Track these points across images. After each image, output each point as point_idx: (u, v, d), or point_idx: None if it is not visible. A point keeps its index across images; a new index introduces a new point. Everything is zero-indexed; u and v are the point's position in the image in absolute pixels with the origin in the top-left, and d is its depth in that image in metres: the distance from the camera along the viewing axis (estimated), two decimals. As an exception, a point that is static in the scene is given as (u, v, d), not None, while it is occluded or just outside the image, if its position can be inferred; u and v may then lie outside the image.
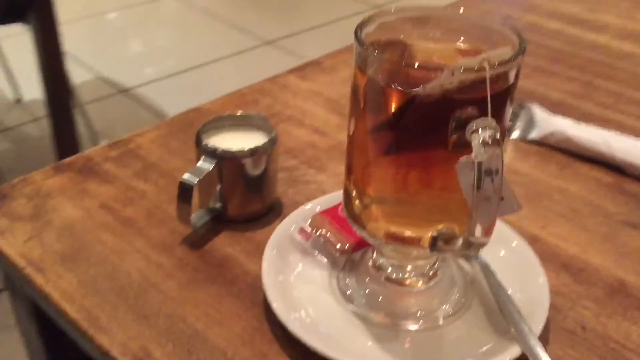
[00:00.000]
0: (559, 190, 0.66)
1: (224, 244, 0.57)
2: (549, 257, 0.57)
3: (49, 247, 0.55)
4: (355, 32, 0.42)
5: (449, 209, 0.45)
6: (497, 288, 0.51)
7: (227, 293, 0.52)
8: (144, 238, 0.57)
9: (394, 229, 0.47)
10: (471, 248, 0.40)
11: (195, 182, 0.54)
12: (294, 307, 0.49)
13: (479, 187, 0.37)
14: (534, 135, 0.73)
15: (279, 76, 0.85)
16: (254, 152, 0.57)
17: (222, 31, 2.99)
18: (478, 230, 0.38)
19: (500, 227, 0.56)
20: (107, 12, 3.25)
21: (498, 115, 0.42)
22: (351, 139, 0.47)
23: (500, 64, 0.39)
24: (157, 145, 0.69)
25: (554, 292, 0.52)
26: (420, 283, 0.52)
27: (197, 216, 0.58)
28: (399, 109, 0.41)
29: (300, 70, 0.87)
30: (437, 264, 0.52)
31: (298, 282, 0.52)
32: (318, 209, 0.57)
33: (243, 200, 0.59)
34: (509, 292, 0.50)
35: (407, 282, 0.52)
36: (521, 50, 0.40)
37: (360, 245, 0.54)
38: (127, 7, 3.30)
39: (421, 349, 0.48)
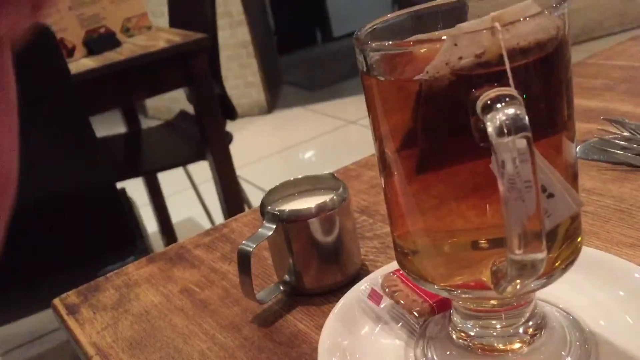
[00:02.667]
0: None
1: (296, 319, 0.50)
2: None
3: (121, 334, 0.53)
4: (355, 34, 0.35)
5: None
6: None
7: (287, 373, 0.45)
8: (214, 319, 0.52)
9: (450, 272, 0.37)
10: (525, 272, 0.29)
11: (252, 248, 0.49)
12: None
13: (504, 187, 0.27)
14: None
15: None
16: (320, 211, 0.51)
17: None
18: (515, 243, 0.28)
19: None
20: (298, 144, 3.48)
21: (544, 104, 0.32)
22: (384, 182, 0.39)
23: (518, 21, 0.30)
24: (250, 228, 0.66)
25: None
26: (518, 346, 0.39)
27: (267, 291, 0.53)
28: (413, 109, 0.33)
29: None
30: (534, 319, 0.39)
31: (367, 356, 0.43)
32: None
33: (318, 270, 0.52)
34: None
35: (501, 346, 0.40)
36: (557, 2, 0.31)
37: (442, 306, 0.44)
38: (316, 137, 3.51)
39: None
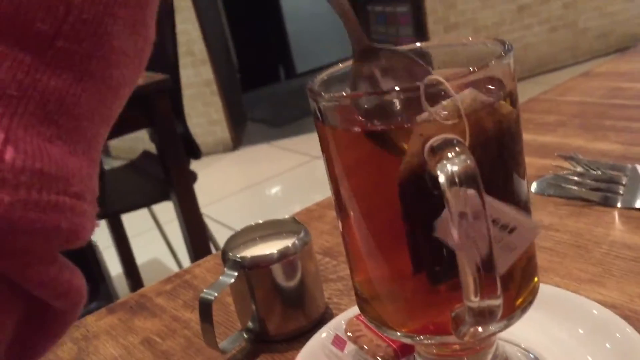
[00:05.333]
0: (687, 256, 0.50)
1: (260, 368, 0.49)
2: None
3: (79, 389, 0.51)
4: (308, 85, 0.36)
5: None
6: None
7: None
8: (176, 370, 0.51)
9: (411, 317, 0.37)
10: (483, 318, 0.30)
11: (213, 297, 0.49)
12: None
13: (457, 236, 0.28)
14: (644, 198, 0.58)
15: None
16: (282, 256, 0.50)
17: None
18: (471, 290, 0.28)
19: (602, 313, 0.43)
20: (264, 180, 3.47)
21: (494, 143, 0.33)
22: (341, 224, 0.39)
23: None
24: (212, 274, 0.65)
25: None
26: (482, 389, 0.39)
27: (231, 340, 0.52)
28: (365, 160, 0.33)
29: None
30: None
31: (331, 403, 0.42)
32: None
33: (281, 315, 0.52)
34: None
35: (465, 390, 0.40)
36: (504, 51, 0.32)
37: (405, 350, 0.44)
38: (281, 173, 3.51)
39: None
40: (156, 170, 2.08)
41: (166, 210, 2.20)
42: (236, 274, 0.50)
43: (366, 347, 0.45)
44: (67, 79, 0.21)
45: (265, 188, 3.42)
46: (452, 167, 0.28)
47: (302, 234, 0.52)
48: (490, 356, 0.39)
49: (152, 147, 2.07)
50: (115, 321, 0.60)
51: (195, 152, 2.16)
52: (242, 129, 4.30)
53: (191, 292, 0.63)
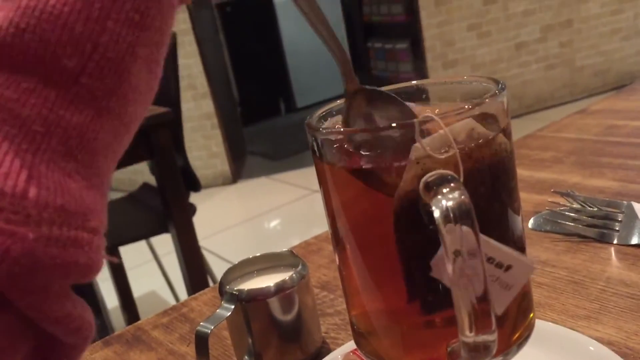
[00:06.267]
0: (683, 293, 0.50)
1: (256, 402, 0.49)
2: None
3: (73, 423, 0.51)
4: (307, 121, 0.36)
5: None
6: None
7: None
8: (171, 405, 0.51)
9: (407, 352, 0.37)
10: (478, 354, 0.30)
11: (209, 330, 0.48)
12: None
13: (452, 272, 0.28)
14: (638, 238, 0.59)
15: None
16: (279, 290, 0.50)
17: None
18: (466, 326, 0.28)
19: (599, 350, 0.43)
20: (263, 213, 3.47)
21: (488, 179, 0.33)
22: (338, 258, 0.39)
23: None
24: (209, 307, 0.65)
25: None
26: None
27: (227, 373, 0.52)
28: (363, 191, 0.34)
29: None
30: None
31: None
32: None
33: (278, 349, 0.52)
34: None
35: None
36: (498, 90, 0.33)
37: (402, 385, 0.44)
38: (281, 206, 3.51)
39: None
40: (155, 202, 2.09)
41: (164, 243, 2.19)
42: (233, 307, 0.50)
43: (362, 383, 0.45)
44: (88, 115, 0.22)
45: (264, 221, 3.42)
46: (447, 203, 0.28)
47: (299, 268, 0.52)
48: (486, 392, 0.39)
49: (152, 180, 2.08)
50: (111, 354, 0.60)
51: (194, 184, 2.17)
52: (242, 163, 4.31)
53: (188, 326, 0.62)
